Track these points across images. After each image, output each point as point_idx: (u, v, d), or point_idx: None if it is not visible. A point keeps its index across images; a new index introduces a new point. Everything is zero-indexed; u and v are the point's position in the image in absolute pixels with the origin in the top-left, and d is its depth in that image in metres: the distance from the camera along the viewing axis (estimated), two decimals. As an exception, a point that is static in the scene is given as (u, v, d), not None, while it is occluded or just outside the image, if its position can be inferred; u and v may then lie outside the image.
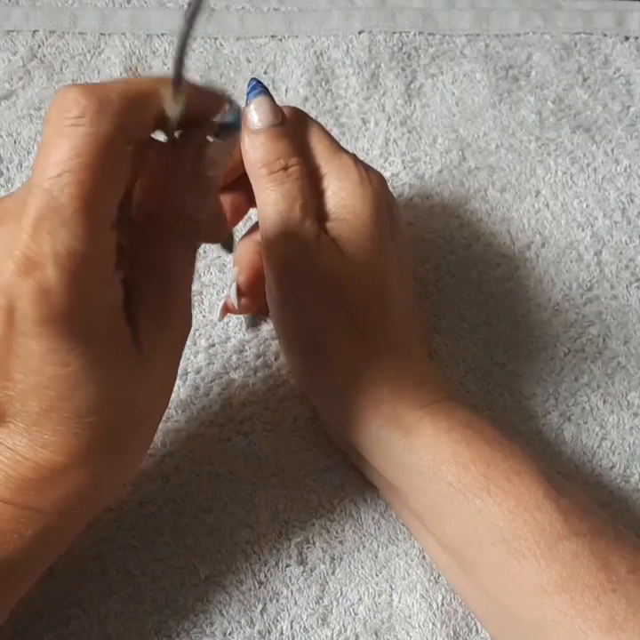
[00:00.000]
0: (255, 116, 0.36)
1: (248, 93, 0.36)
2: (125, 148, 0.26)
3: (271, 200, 0.36)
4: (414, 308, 0.39)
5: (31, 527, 0.29)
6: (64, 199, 0.24)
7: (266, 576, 0.37)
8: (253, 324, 0.43)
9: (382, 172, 0.48)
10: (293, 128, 0.37)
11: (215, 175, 0.29)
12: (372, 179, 0.37)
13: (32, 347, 0.26)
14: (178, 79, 0.26)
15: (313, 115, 0.50)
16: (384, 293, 0.36)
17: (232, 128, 0.29)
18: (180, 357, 0.32)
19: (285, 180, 0.36)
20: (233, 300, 0.40)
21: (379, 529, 0.38)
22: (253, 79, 0.36)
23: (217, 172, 0.29)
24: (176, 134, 0.28)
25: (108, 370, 0.28)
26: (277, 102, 0.51)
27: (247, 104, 0.36)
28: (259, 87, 0.36)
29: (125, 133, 0.25)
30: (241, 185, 0.38)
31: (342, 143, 0.49)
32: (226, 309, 0.42)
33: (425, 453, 0.34)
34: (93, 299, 0.26)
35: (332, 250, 0.36)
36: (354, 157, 0.38)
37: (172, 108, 0.26)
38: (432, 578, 0.37)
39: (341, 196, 0.36)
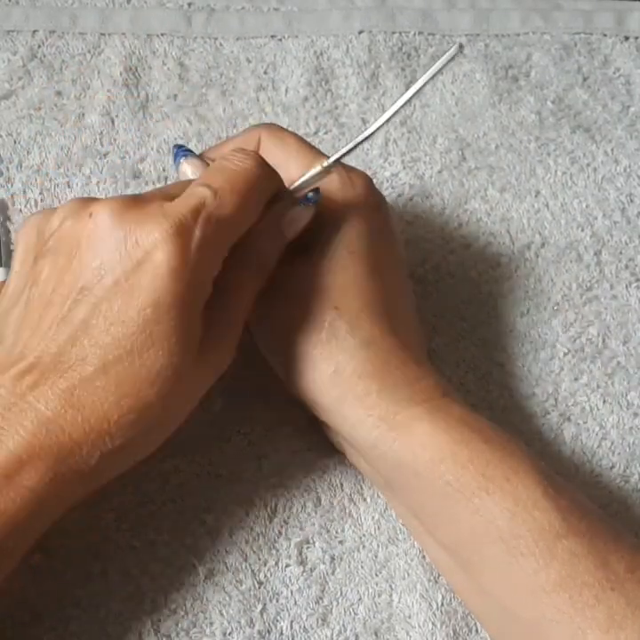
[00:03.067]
0: (190, 174, 0.39)
1: (175, 159, 0.40)
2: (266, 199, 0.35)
3: None
4: (409, 306, 0.39)
5: (25, 508, 0.29)
6: (227, 203, 0.32)
7: (265, 576, 0.37)
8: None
9: (382, 172, 0.49)
10: (271, 143, 0.38)
11: (290, 235, 0.36)
12: (354, 181, 0.38)
13: (138, 298, 0.30)
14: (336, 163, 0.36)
15: (313, 115, 0.51)
16: (371, 294, 0.36)
17: (310, 203, 0.36)
18: (219, 374, 0.35)
19: None
20: None
21: (379, 529, 0.38)
22: (175, 146, 0.40)
23: (292, 233, 0.36)
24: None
25: (181, 346, 0.31)
26: (277, 103, 0.51)
27: (178, 164, 0.39)
28: (182, 150, 0.40)
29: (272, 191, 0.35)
30: None
31: (342, 143, 0.50)
32: None
33: (422, 453, 0.34)
34: (203, 283, 0.32)
35: (296, 262, 0.37)
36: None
37: (310, 183, 0.36)
38: (432, 578, 0.37)
39: (325, 201, 0.37)
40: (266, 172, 0.35)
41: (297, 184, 0.37)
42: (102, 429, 0.31)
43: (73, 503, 0.32)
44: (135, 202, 0.32)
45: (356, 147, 0.36)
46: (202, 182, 0.33)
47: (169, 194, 0.33)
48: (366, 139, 0.36)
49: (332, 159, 0.36)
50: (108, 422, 0.31)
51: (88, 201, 0.33)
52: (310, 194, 0.37)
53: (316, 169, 0.36)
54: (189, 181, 0.34)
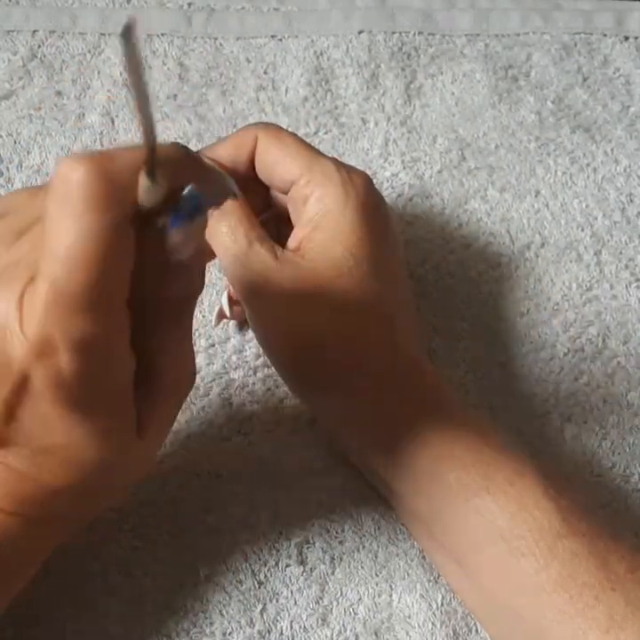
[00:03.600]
0: None
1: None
2: (129, 225, 0.24)
3: (216, 239, 0.36)
4: (409, 306, 0.39)
5: (24, 532, 0.29)
6: (74, 286, 0.24)
7: (266, 576, 0.37)
8: (243, 327, 0.43)
9: (382, 172, 0.49)
10: (268, 144, 0.38)
11: (184, 258, 0.26)
12: (354, 180, 0.37)
13: (40, 409, 0.27)
14: (152, 167, 0.23)
15: (313, 115, 0.51)
16: (372, 295, 0.36)
17: (193, 211, 0.25)
18: (171, 425, 0.32)
19: (222, 218, 0.36)
20: (225, 307, 0.41)
21: (379, 529, 0.38)
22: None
23: (184, 254, 0.26)
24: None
25: (108, 441, 0.28)
26: (277, 102, 0.51)
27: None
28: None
29: (128, 211, 0.24)
30: None
31: (342, 143, 0.50)
32: (220, 316, 0.42)
33: (423, 453, 0.34)
34: (107, 378, 0.27)
35: (294, 263, 0.36)
36: (335, 161, 0.38)
37: (148, 197, 0.24)
38: (432, 578, 0.37)
39: (325, 202, 0.36)
40: (109, 187, 0.23)
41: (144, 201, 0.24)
42: (57, 495, 0.29)
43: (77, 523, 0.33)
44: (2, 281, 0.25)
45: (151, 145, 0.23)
46: (41, 266, 0.24)
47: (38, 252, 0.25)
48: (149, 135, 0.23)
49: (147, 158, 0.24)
50: (60, 493, 0.29)
51: None
52: (187, 202, 0.25)
53: (144, 181, 0.24)
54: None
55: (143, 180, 0.24)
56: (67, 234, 0.23)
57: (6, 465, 0.29)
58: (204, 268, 0.29)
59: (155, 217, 0.25)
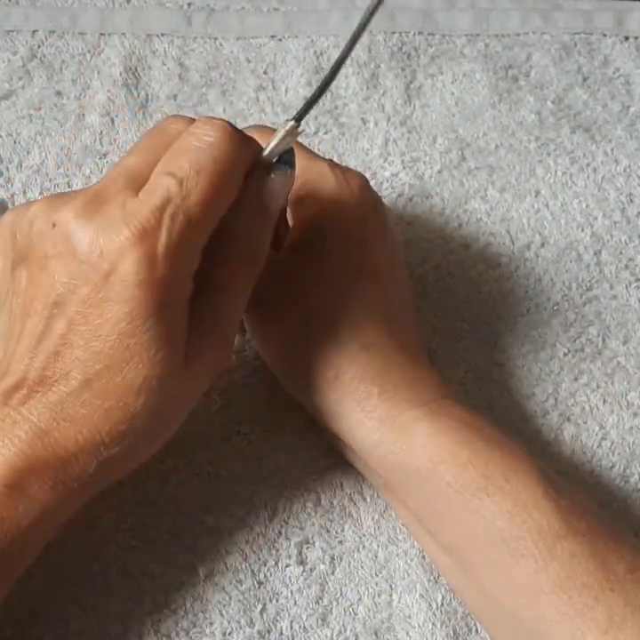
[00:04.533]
0: None
1: None
2: (245, 170, 0.32)
3: None
4: (409, 306, 0.39)
5: (28, 516, 0.29)
6: (195, 190, 0.30)
7: (265, 576, 0.37)
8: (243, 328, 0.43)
9: (382, 172, 0.49)
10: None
11: (274, 209, 0.33)
12: (350, 181, 0.37)
13: (111, 311, 0.29)
14: (305, 112, 0.32)
15: (313, 114, 0.51)
16: (372, 295, 0.36)
17: (287, 167, 0.33)
18: (213, 377, 0.34)
19: None
20: None
21: (378, 529, 0.38)
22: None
23: (276, 205, 0.33)
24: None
25: (162, 355, 0.30)
26: (277, 102, 0.51)
27: None
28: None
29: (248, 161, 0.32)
30: None
31: (342, 143, 0.50)
32: None
33: (422, 454, 0.34)
34: (180, 284, 0.30)
35: (291, 265, 0.36)
36: (330, 162, 0.38)
37: (282, 145, 0.32)
38: (432, 578, 0.37)
39: (320, 203, 0.36)
40: (236, 142, 0.31)
41: (268, 149, 0.33)
42: (96, 440, 0.30)
43: (77, 508, 0.32)
44: (96, 203, 0.30)
45: (321, 94, 0.32)
46: (165, 170, 0.30)
47: (134, 178, 0.31)
48: (328, 84, 0.31)
49: (300, 111, 0.32)
50: (100, 433, 0.30)
51: (52, 206, 0.31)
52: (284, 156, 0.33)
53: (286, 127, 0.32)
54: (154, 153, 0.31)
55: (277, 140, 0.32)
56: (198, 153, 0.30)
57: (29, 420, 0.29)
58: (269, 239, 0.34)
59: (263, 168, 0.33)
